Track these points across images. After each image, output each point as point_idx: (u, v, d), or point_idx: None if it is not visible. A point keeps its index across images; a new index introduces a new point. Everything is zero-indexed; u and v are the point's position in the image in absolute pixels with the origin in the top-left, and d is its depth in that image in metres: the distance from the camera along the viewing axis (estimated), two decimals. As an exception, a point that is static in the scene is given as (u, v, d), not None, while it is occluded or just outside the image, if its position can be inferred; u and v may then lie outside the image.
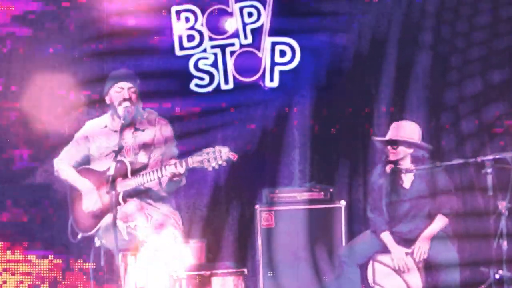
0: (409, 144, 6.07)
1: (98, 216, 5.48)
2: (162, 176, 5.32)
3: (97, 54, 7.25)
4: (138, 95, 5.56)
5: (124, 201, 5.39)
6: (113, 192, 5.11)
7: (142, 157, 5.50)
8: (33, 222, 7.17)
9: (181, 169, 5.25)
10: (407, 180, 6.17)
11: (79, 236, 5.57)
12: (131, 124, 5.52)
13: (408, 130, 6.14)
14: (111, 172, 5.11)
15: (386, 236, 6.11)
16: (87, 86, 7.21)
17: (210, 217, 7.34)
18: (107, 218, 5.40)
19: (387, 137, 6.16)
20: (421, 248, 6.03)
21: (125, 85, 5.51)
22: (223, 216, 7.36)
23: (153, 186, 5.49)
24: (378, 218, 6.14)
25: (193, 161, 5.20)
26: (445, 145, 7.27)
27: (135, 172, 5.39)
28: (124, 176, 5.38)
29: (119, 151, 5.30)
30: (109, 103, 5.57)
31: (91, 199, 5.51)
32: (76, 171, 5.61)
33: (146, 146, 5.52)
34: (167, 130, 5.61)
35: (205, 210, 7.31)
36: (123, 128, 5.40)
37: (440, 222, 6.09)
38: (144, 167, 5.48)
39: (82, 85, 7.22)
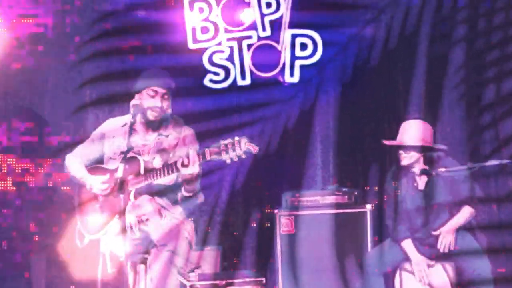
0: (418, 148, 5.99)
1: (106, 216, 5.39)
2: (177, 170, 5.20)
3: (105, 52, 7.25)
4: (170, 101, 5.48)
5: (135, 199, 5.29)
6: (122, 195, 5.05)
7: (157, 162, 5.39)
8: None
9: (196, 166, 5.13)
10: (421, 182, 6.07)
11: (86, 239, 5.48)
12: (157, 126, 5.46)
13: (415, 132, 6.03)
14: (119, 174, 5.05)
15: (407, 244, 6.03)
16: (93, 84, 7.24)
17: (226, 222, 7.34)
18: (116, 222, 5.32)
19: (396, 141, 6.04)
20: (446, 238, 5.94)
21: (160, 90, 5.42)
22: (240, 222, 7.38)
23: (168, 188, 5.44)
24: (398, 226, 6.04)
25: (210, 152, 5.09)
26: (481, 146, 7.13)
27: (148, 171, 5.29)
28: (137, 173, 5.29)
29: (128, 151, 5.20)
30: (137, 101, 5.43)
31: (100, 181, 5.44)
32: (86, 169, 5.54)
33: (164, 153, 5.45)
34: (192, 142, 5.53)
35: (221, 215, 7.29)
36: (132, 127, 5.29)
37: (466, 213, 5.98)
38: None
39: (88, 83, 7.26)
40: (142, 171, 5.32)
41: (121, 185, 5.09)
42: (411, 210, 6.05)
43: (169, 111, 5.49)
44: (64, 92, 7.37)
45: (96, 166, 5.56)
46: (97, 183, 5.40)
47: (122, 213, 5.07)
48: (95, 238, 5.45)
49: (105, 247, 5.48)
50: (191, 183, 5.32)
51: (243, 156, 5.08)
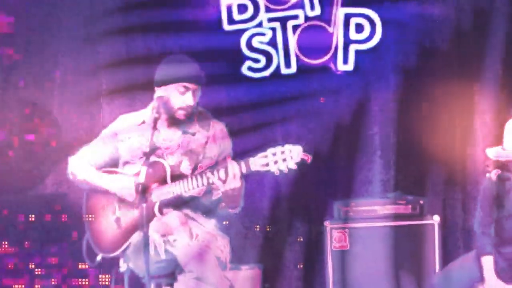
0: None
1: (126, 231, 5.34)
2: (214, 181, 5.13)
3: (124, 29, 7.34)
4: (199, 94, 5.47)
5: (161, 212, 5.25)
6: (144, 204, 4.95)
7: (185, 167, 5.36)
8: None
9: (238, 179, 5.05)
10: None
11: (99, 257, 5.41)
12: (182, 123, 5.41)
13: None
14: (141, 179, 4.94)
15: (487, 262, 5.80)
16: (110, 70, 7.28)
17: (268, 237, 7.32)
18: (137, 236, 5.25)
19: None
20: None
21: (192, 86, 5.36)
22: (283, 236, 7.33)
23: (199, 195, 5.39)
24: (484, 237, 5.85)
25: (256, 162, 5.01)
26: None
27: (176, 178, 5.24)
28: (162, 181, 5.25)
29: (151, 152, 5.17)
30: (163, 95, 5.38)
31: (128, 194, 5.33)
32: (96, 170, 5.48)
33: (192, 154, 5.40)
34: (223, 138, 5.51)
35: (261, 228, 7.31)
36: (156, 124, 5.23)
37: None
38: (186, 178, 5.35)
39: (104, 69, 7.32)
40: (168, 179, 5.26)
41: (143, 193, 4.99)
42: (498, 219, 5.86)
43: (196, 107, 5.48)
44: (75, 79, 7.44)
45: (109, 170, 5.48)
46: (127, 183, 5.31)
47: (144, 227, 4.95)
48: (110, 257, 5.41)
49: (124, 266, 5.43)
50: (234, 199, 5.25)
51: (295, 167, 4.98)
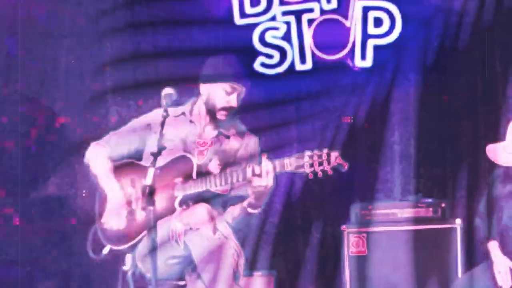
0: None
1: (141, 225, 5.30)
2: (244, 179, 5.19)
3: (131, 25, 7.33)
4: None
5: (182, 207, 5.27)
6: (151, 208, 4.82)
7: (214, 166, 5.37)
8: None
9: (271, 177, 5.12)
10: None
11: (106, 250, 5.36)
12: (221, 124, 5.44)
13: None
14: (148, 181, 4.86)
15: (493, 246, 5.90)
16: (117, 67, 7.25)
17: (282, 241, 7.31)
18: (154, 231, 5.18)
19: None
20: None
21: (239, 88, 5.42)
22: (298, 241, 7.34)
23: (220, 196, 5.41)
24: (483, 223, 5.99)
25: (291, 163, 5.08)
26: None
27: (202, 175, 5.28)
28: (188, 177, 5.25)
29: (158, 153, 5.02)
30: (204, 94, 5.44)
31: (115, 213, 5.38)
32: (111, 167, 5.45)
33: (223, 155, 5.44)
34: (255, 150, 5.55)
35: (275, 232, 7.29)
36: (164, 123, 5.14)
37: None
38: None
39: (111, 65, 7.30)
40: (194, 175, 5.27)
41: (151, 195, 4.85)
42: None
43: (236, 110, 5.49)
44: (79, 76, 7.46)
45: (131, 162, 5.49)
46: (112, 220, 5.36)
47: (151, 229, 4.84)
48: (118, 249, 5.36)
49: (130, 264, 5.39)
50: (261, 198, 5.28)
51: (330, 173, 5.02)
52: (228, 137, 5.48)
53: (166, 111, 5.15)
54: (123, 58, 7.23)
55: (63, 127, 7.36)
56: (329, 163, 4.98)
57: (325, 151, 4.97)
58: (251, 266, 6.50)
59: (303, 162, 5.01)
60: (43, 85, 7.40)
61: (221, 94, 5.38)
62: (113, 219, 5.39)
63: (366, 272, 6.57)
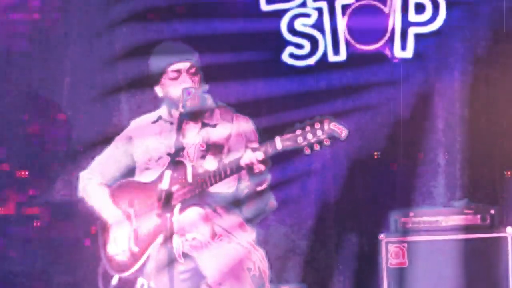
0: None
1: (142, 244, 5.33)
2: (236, 170, 5.17)
3: (143, 13, 7.34)
4: (201, 74, 5.40)
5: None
6: (168, 215, 4.78)
7: (210, 163, 5.27)
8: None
9: (260, 156, 5.07)
10: None
11: (115, 280, 5.31)
12: (195, 116, 5.37)
13: None
14: (165, 185, 4.79)
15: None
16: (126, 60, 7.27)
17: (313, 252, 7.26)
18: (156, 249, 5.22)
19: None
20: None
21: (182, 65, 5.35)
22: (331, 251, 7.29)
23: (228, 197, 5.39)
24: None
25: (282, 140, 5.05)
26: None
27: (197, 176, 5.23)
28: (183, 183, 5.24)
29: (176, 153, 5.06)
30: (163, 95, 5.44)
31: (118, 239, 5.35)
32: (108, 193, 5.48)
33: (217, 148, 5.37)
34: (249, 131, 5.51)
35: (305, 242, 7.24)
36: (182, 121, 5.15)
37: None
38: None
39: (119, 59, 7.33)
40: (189, 178, 5.22)
41: (168, 201, 4.87)
42: None
43: (205, 88, 5.39)
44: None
45: (129, 181, 5.47)
46: (116, 248, 5.36)
47: (168, 238, 4.85)
48: (127, 276, 5.33)
49: (141, 283, 5.33)
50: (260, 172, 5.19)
51: (327, 143, 4.98)
52: (214, 125, 5.43)
53: (184, 106, 5.09)
54: (135, 51, 7.22)
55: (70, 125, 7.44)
56: (323, 130, 4.95)
57: (317, 118, 4.95)
58: (279, 279, 6.52)
59: (294, 135, 5.00)
60: (49, 79, 7.45)
61: (171, 82, 5.34)
62: (116, 246, 5.36)
63: (406, 286, 6.52)
